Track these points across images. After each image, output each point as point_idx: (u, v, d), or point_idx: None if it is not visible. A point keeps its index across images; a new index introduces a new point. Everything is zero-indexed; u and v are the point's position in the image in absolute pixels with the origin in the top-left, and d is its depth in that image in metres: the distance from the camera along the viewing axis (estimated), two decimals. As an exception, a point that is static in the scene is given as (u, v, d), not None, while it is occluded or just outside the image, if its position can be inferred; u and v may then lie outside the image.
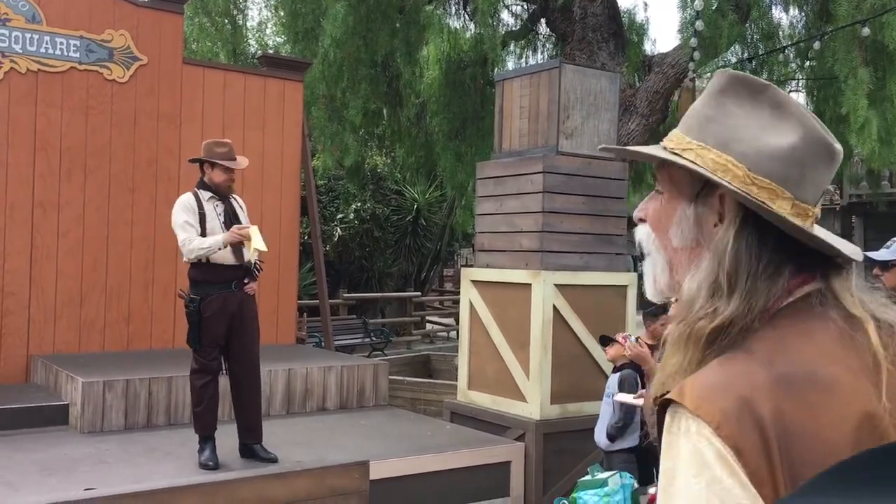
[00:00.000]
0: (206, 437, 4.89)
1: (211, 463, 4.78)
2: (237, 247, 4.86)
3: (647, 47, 11.50)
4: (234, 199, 5.11)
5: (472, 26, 12.71)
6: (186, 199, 4.95)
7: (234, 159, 4.99)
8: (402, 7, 10.99)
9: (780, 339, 0.91)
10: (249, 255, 4.83)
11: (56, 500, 3.93)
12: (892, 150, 8.48)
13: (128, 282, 7.44)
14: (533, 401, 5.85)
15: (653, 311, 4.93)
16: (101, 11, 7.36)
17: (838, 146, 0.99)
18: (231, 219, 4.93)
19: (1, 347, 6.83)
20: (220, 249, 4.78)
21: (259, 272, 5.03)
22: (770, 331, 0.92)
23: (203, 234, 4.84)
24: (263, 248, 4.72)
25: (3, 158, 6.88)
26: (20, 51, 6.95)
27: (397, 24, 11.13)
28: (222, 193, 4.99)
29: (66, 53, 7.17)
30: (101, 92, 7.34)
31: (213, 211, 4.92)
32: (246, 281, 4.92)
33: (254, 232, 4.74)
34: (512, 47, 13.33)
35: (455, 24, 13.04)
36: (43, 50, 7.07)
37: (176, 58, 7.76)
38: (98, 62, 7.32)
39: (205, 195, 4.94)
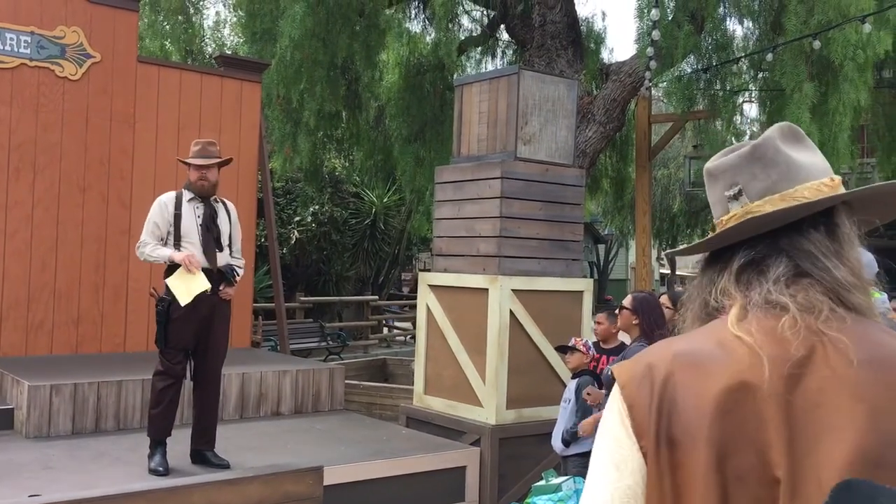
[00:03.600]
0: (158, 442, 4.80)
1: (161, 468, 4.70)
2: (210, 251, 4.77)
3: (605, 56, 11.66)
4: (221, 203, 4.97)
5: (432, 31, 12.73)
6: (164, 198, 4.87)
7: (206, 158, 4.83)
8: (362, 10, 10.96)
9: (696, 328, 1.11)
10: (187, 292, 4.68)
11: (-1, 507, 3.82)
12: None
13: (77, 283, 7.27)
14: (489, 406, 5.85)
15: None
16: (53, 7, 7.20)
17: (708, 164, 1.17)
18: (209, 223, 4.82)
19: (-57, 350, 6.62)
20: (165, 263, 4.71)
21: (236, 277, 4.92)
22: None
23: (177, 234, 4.76)
24: (188, 297, 4.62)
25: (-52, 155, 6.68)
26: (-33, 45, 6.76)
27: (357, 27, 11.09)
28: (202, 195, 4.87)
29: (16, 49, 7.00)
30: (52, 89, 7.17)
31: (192, 213, 4.82)
32: (221, 286, 4.82)
33: (198, 279, 4.64)
34: (472, 53, 13.38)
35: (415, 28, 13.05)
36: (-8, 45, 6.88)
37: (130, 56, 7.62)
38: (49, 59, 7.16)
39: (187, 195, 4.85)
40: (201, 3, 15.22)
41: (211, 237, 4.81)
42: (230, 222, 4.98)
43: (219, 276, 4.81)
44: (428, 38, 12.85)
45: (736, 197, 1.12)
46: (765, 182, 1.10)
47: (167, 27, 13.99)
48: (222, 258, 4.85)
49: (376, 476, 5.15)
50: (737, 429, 0.95)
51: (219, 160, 4.91)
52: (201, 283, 4.64)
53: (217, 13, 16.40)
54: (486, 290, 5.93)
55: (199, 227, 4.79)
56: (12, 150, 6.98)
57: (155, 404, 4.78)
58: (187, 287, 4.64)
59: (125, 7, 7.63)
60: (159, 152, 7.45)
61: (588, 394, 4.58)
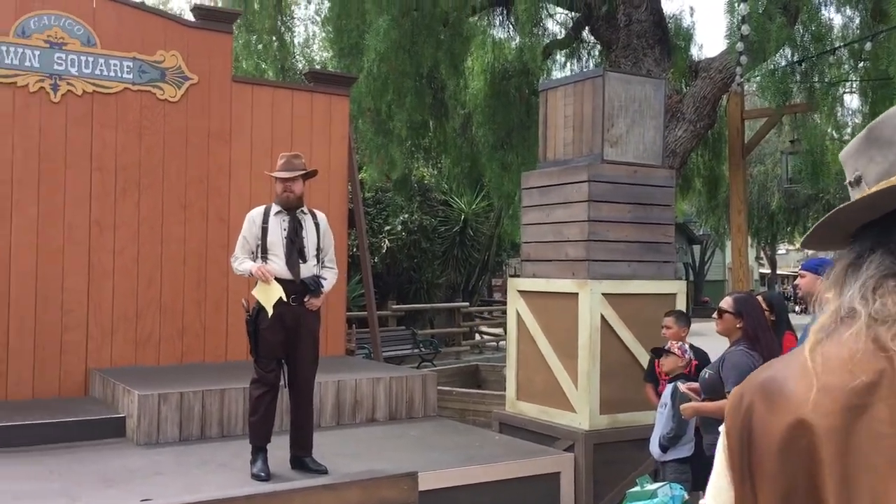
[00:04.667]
0: (259, 449, 4.97)
1: (263, 474, 4.85)
2: (293, 262, 4.90)
3: (694, 52, 11.38)
4: (308, 214, 5.06)
5: (516, 36, 12.72)
6: (253, 212, 5.05)
7: (290, 171, 4.95)
8: (446, 20, 11.06)
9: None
10: (267, 302, 4.81)
11: (114, 510, 4.04)
12: None
13: (181, 297, 7.60)
14: (582, 411, 5.81)
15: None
16: (154, 33, 7.57)
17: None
18: (293, 235, 4.95)
19: (61, 362, 7.03)
20: (248, 276, 4.89)
21: (322, 288, 5.00)
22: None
23: (264, 247, 4.92)
24: (267, 307, 4.77)
25: (61, 179, 7.10)
26: (76, 73, 7.18)
27: (441, 37, 11.20)
28: (288, 207, 5.00)
29: (119, 75, 7.38)
30: (153, 112, 7.53)
31: (279, 226, 4.95)
32: (306, 297, 4.94)
33: (273, 289, 4.78)
34: (557, 56, 13.31)
35: (499, 34, 13.07)
36: (98, 72, 7.28)
37: (225, 76, 7.93)
38: (150, 82, 7.52)
39: (274, 209, 5.00)
40: (292, 21, 15.69)
41: (294, 249, 4.93)
42: (319, 233, 5.07)
43: (302, 286, 4.92)
44: (512, 44, 12.85)
45: (856, 183, 1.01)
46: (882, 165, 0.98)
47: (260, 47, 14.46)
48: (306, 269, 4.95)
49: (470, 482, 5.19)
50: (796, 469, 0.88)
51: (303, 172, 5.01)
52: (276, 292, 4.78)
53: (306, 29, 16.85)
54: (576, 294, 5.89)
55: (284, 240, 4.92)
56: (118, 172, 7.36)
57: (253, 412, 4.95)
58: (266, 297, 4.80)
59: (220, 30, 7.95)
60: (254, 168, 7.71)
61: (686, 391, 4.45)
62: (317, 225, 5.08)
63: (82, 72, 7.21)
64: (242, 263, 4.93)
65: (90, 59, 7.24)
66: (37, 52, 7.01)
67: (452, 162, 13.66)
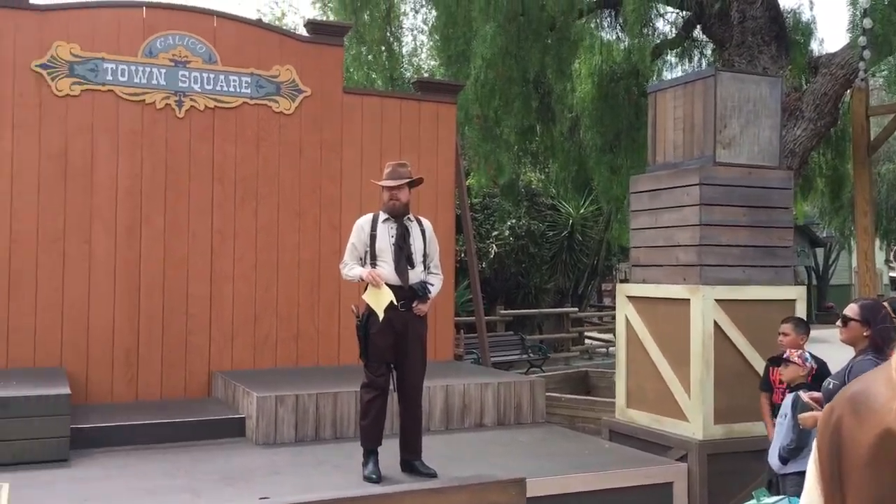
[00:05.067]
0: (370, 451, 5.08)
1: (374, 476, 4.96)
2: (402, 268, 5.00)
3: (814, 48, 10.91)
4: (415, 221, 5.15)
5: (625, 38, 12.53)
6: (362, 220, 5.18)
7: (395, 179, 5.04)
8: (553, 24, 11.01)
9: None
10: (378, 306, 4.91)
11: (234, 507, 4.22)
12: None
13: (296, 302, 7.87)
14: (695, 420, 5.66)
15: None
16: (269, 49, 7.88)
17: None
18: (401, 242, 5.04)
19: (186, 364, 7.41)
20: (358, 281, 5.01)
21: (429, 294, 5.07)
22: None
23: (373, 253, 5.04)
24: (378, 311, 4.87)
25: (185, 190, 7.49)
26: (199, 90, 7.56)
27: (548, 41, 11.16)
28: (394, 214, 5.10)
29: (238, 90, 7.73)
30: (270, 124, 7.84)
31: (387, 233, 5.06)
32: (414, 303, 5.03)
33: (383, 293, 4.88)
34: (667, 56, 13.02)
35: (607, 36, 12.91)
36: (219, 88, 7.65)
37: (336, 88, 8.16)
38: (267, 96, 7.84)
39: (382, 216, 5.12)
40: (400, 31, 15.97)
41: (403, 255, 5.02)
42: (425, 239, 5.15)
43: (411, 292, 5.00)
44: (621, 46, 12.66)
45: None
46: None
47: (370, 58, 14.80)
48: (415, 275, 5.03)
49: (579, 490, 5.14)
50: (885, 478, 0.89)
51: (408, 180, 5.10)
52: (387, 296, 4.88)
53: (414, 39, 17.12)
54: (688, 300, 5.75)
55: (393, 246, 5.02)
56: (238, 183, 7.70)
57: (364, 415, 5.07)
58: (377, 301, 4.90)
59: (332, 43, 8.20)
60: (364, 176, 7.90)
61: (808, 401, 4.27)
62: (423, 232, 5.16)
63: (204, 88, 7.58)
64: (352, 269, 5.07)
65: (211, 75, 7.61)
66: (163, 71, 7.43)
67: (560, 166, 13.58)
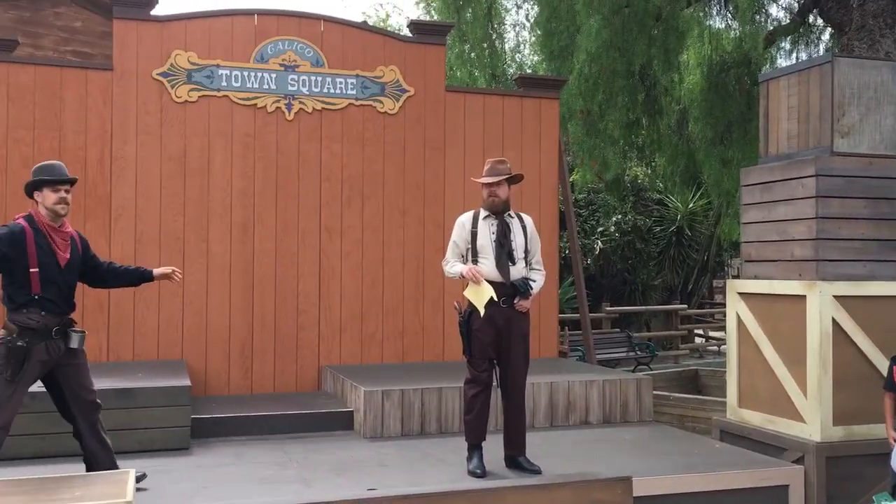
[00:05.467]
0: (474, 446, 5.12)
1: (478, 471, 5.00)
2: (502, 265, 5.01)
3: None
4: (515, 217, 5.16)
5: (734, 25, 12.13)
6: (463, 217, 5.22)
7: (494, 175, 5.07)
8: (659, 14, 10.78)
9: None
10: (478, 302, 4.92)
11: (344, 497, 4.33)
12: None
13: (401, 299, 8.01)
14: (812, 421, 5.43)
15: None
16: (374, 50, 8.04)
17: None
18: (501, 238, 5.05)
19: (297, 359, 7.66)
20: (459, 278, 5.05)
21: (531, 290, 5.06)
22: None
23: (474, 250, 5.07)
24: (479, 307, 4.89)
25: (295, 190, 7.74)
26: (307, 92, 7.79)
27: (654, 32, 10.93)
28: (494, 211, 5.12)
29: (344, 91, 7.92)
30: (374, 124, 8.01)
31: (487, 230, 5.09)
32: (516, 299, 5.04)
33: (483, 289, 4.89)
34: (781, 43, 12.53)
35: (716, 24, 12.54)
36: (326, 90, 7.87)
37: (439, 86, 8.25)
38: (372, 97, 8.00)
39: (483, 213, 5.14)
40: (502, 27, 15.98)
41: (503, 252, 5.02)
42: (526, 235, 5.14)
43: (512, 288, 5.00)
44: (731, 34, 12.27)
45: None
46: None
47: (473, 55, 14.88)
48: (516, 271, 5.02)
49: (687, 490, 5.02)
50: None
51: (506, 176, 5.10)
52: (487, 292, 4.89)
53: (516, 35, 17.09)
54: (804, 296, 5.52)
55: (493, 243, 5.03)
56: (344, 182, 7.90)
57: (468, 410, 5.11)
58: (478, 297, 4.93)
59: (434, 42, 8.29)
60: (467, 174, 7.96)
61: None
62: (524, 228, 5.15)
63: (312, 91, 7.81)
64: (454, 266, 5.11)
65: (319, 78, 7.83)
66: (273, 75, 7.70)
67: (667, 160, 13.29)
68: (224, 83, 7.57)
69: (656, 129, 12.46)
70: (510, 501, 4.36)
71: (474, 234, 5.07)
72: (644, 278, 17.96)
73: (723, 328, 16.79)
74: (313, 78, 7.82)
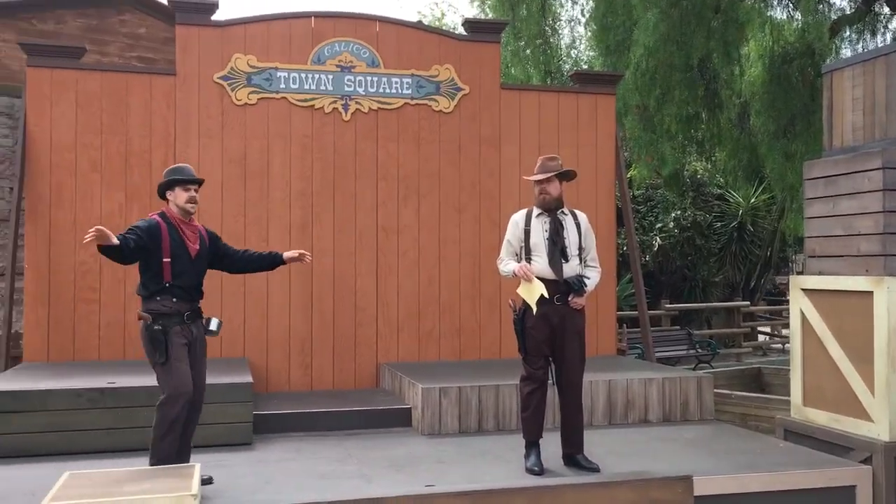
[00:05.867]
0: (532, 443, 5.12)
1: (536, 468, 4.99)
2: (555, 262, 5.00)
3: None
4: (569, 214, 5.12)
5: (797, 16, 11.85)
6: (516, 215, 5.22)
7: (544, 172, 5.04)
8: (718, 6, 10.60)
9: None
10: (531, 300, 4.92)
11: (403, 493, 4.38)
12: None
13: (458, 296, 8.04)
14: (880, 420, 5.28)
15: None
16: (429, 49, 8.09)
17: None
18: (554, 235, 5.03)
19: (355, 356, 7.75)
20: (512, 276, 5.05)
21: (585, 287, 5.03)
22: None
23: (527, 248, 5.06)
24: (531, 304, 4.89)
25: (352, 189, 7.84)
26: (363, 93, 7.88)
27: (713, 24, 10.75)
28: (546, 208, 5.10)
29: (400, 91, 7.99)
30: (430, 123, 8.05)
31: (541, 227, 5.07)
32: (570, 296, 5.03)
33: (535, 287, 4.89)
34: (846, 33, 12.20)
35: (778, 15, 12.26)
36: (381, 90, 7.94)
37: (494, 84, 8.25)
38: (427, 96, 8.05)
39: (536, 211, 5.13)
40: (558, 23, 15.88)
41: (556, 249, 4.99)
42: (580, 232, 5.11)
43: (566, 286, 4.97)
44: (794, 24, 11.99)
45: None
46: None
47: (528, 52, 14.82)
48: (569, 269, 4.99)
49: (750, 490, 4.93)
50: None
51: (556, 172, 5.05)
52: (538, 290, 4.88)
53: (571, 31, 16.98)
54: (871, 292, 5.37)
55: (546, 241, 5.02)
56: (401, 181, 7.97)
57: (524, 408, 5.11)
58: (530, 294, 4.92)
59: (489, 41, 8.30)
60: (523, 171, 7.93)
61: None
62: (577, 224, 5.11)
63: (368, 91, 7.90)
64: (507, 265, 5.12)
65: (375, 78, 7.91)
66: (330, 77, 7.81)
67: (728, 154, 13.05)
68: (282, 85, 7.70)
69: (716, 123, 12.24)
70: (569, 499, 4.36)
71: (527, 232, 5.06)
72: (705, 275, 17.65)
73: (786, 325, 16.40)
74: (369, 78, 7.90)
